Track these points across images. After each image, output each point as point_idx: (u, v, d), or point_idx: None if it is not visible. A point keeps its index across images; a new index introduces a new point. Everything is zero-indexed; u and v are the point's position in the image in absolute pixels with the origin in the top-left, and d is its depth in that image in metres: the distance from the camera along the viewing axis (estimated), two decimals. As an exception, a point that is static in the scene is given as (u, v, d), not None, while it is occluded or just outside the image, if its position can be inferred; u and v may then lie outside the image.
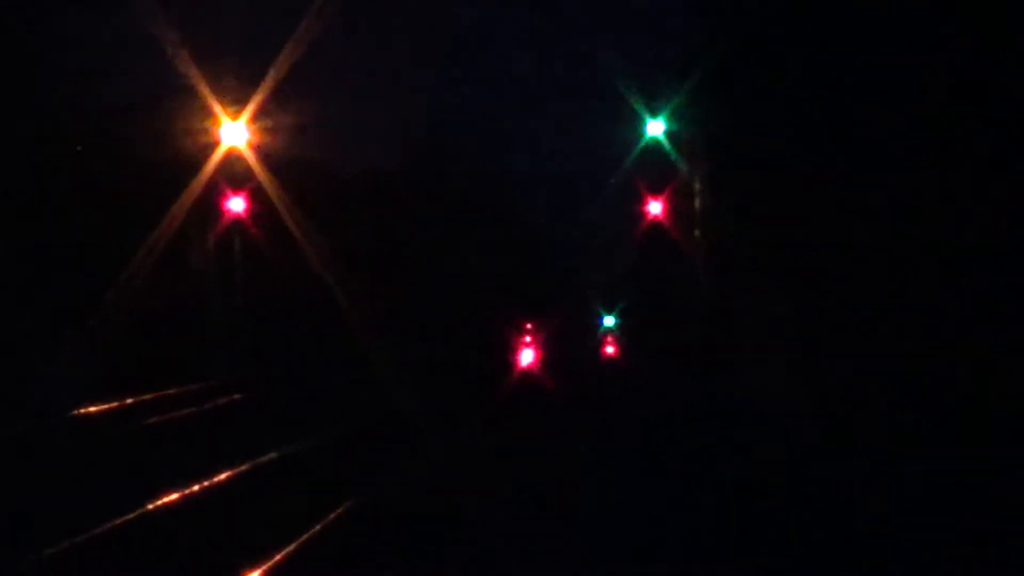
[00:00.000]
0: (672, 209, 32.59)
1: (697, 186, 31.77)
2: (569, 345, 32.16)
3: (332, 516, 18.85)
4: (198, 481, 19.95)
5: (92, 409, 24.41)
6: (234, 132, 30.24)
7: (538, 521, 19.82)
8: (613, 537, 19.12)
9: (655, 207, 32.44)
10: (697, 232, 31.85)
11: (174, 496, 19.14)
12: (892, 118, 28.32)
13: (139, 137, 30.26)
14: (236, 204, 31.38)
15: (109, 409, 24.96)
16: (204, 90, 29.63)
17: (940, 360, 25.54)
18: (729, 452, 24.19)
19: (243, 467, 21.38)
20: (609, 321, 32.85)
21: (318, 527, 18.22)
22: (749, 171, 30.42)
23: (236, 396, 28.76)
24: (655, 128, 31.65)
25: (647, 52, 32.10)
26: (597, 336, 32.75)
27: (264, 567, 16.13)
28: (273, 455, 22.59)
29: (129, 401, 25.60)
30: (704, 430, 25.92)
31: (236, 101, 30.27)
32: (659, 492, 21.36)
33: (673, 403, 28.40)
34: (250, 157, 30.45)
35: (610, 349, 32.55)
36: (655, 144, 31.78)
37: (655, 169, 32.32)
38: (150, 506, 18.57)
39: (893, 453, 22.53)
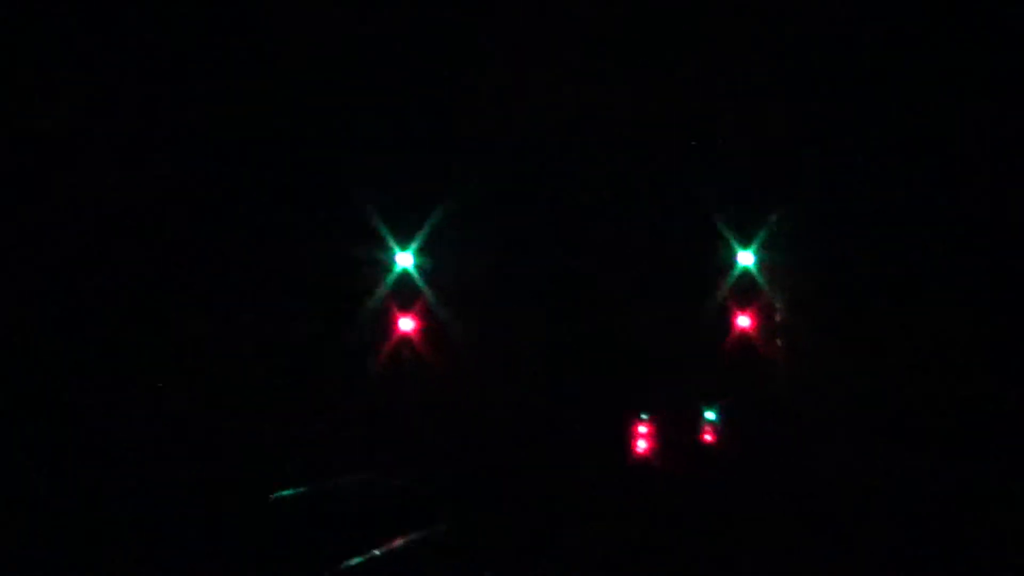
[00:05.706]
0: (759, 323, 36.54)
1: (778, 305, 36.64)
2: (677, 433, 35.41)
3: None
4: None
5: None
6: (404, 259, 34.14)
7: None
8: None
9: (744, 321, 36.41)
10: (778, 341, 36.61)
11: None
12: (976, 252, 31.22)
13: (311, 264, 33.66)
14: (405, 323, 34.18)
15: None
16: (379, 224, 33.97)
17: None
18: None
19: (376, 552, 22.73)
20: (710, 415, 35.61)
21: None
22: (826, 296, 33.75)
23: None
24: (745, 258, 36.06)
25: (739, 190, 35.80)
26: (699, 426, 35.84)
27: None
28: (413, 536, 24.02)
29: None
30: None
31: (406, 232, 34.37)
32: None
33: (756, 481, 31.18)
34: (418, 280, 34.14)
35: (708, 437, 35.80)
36: (745, 271, 36.12)
37: (745, 290, 36.56)
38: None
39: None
